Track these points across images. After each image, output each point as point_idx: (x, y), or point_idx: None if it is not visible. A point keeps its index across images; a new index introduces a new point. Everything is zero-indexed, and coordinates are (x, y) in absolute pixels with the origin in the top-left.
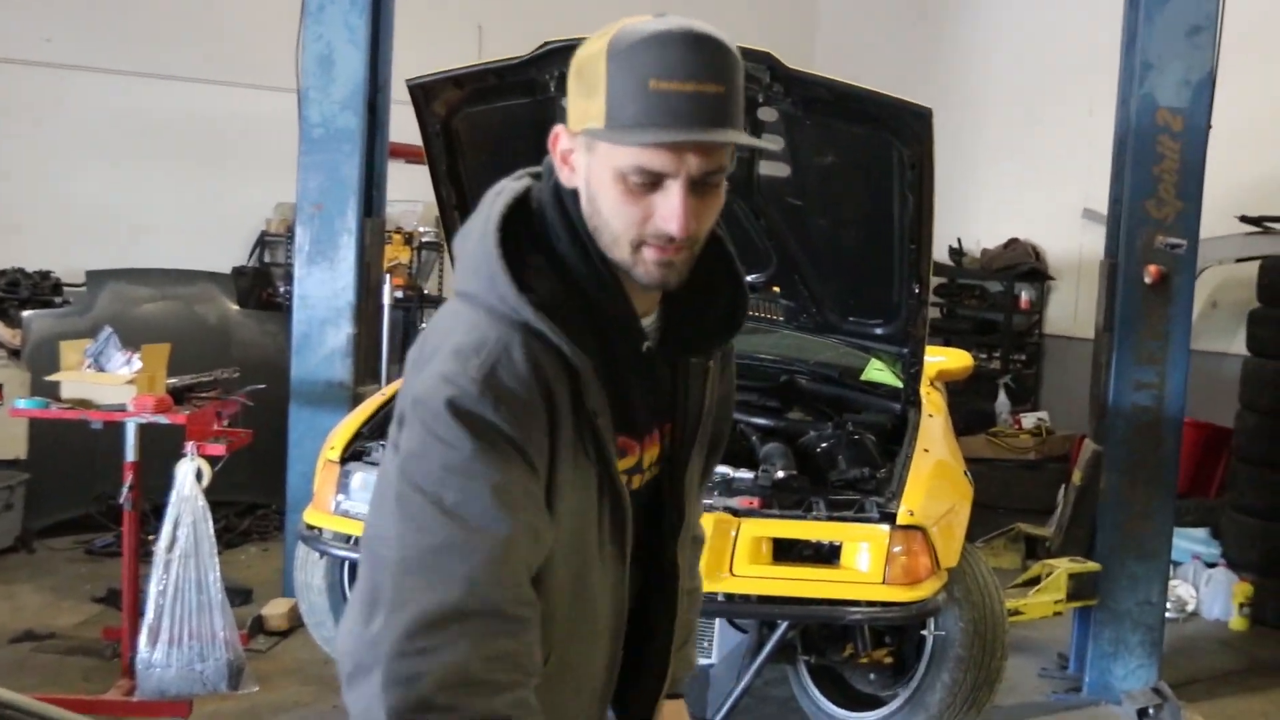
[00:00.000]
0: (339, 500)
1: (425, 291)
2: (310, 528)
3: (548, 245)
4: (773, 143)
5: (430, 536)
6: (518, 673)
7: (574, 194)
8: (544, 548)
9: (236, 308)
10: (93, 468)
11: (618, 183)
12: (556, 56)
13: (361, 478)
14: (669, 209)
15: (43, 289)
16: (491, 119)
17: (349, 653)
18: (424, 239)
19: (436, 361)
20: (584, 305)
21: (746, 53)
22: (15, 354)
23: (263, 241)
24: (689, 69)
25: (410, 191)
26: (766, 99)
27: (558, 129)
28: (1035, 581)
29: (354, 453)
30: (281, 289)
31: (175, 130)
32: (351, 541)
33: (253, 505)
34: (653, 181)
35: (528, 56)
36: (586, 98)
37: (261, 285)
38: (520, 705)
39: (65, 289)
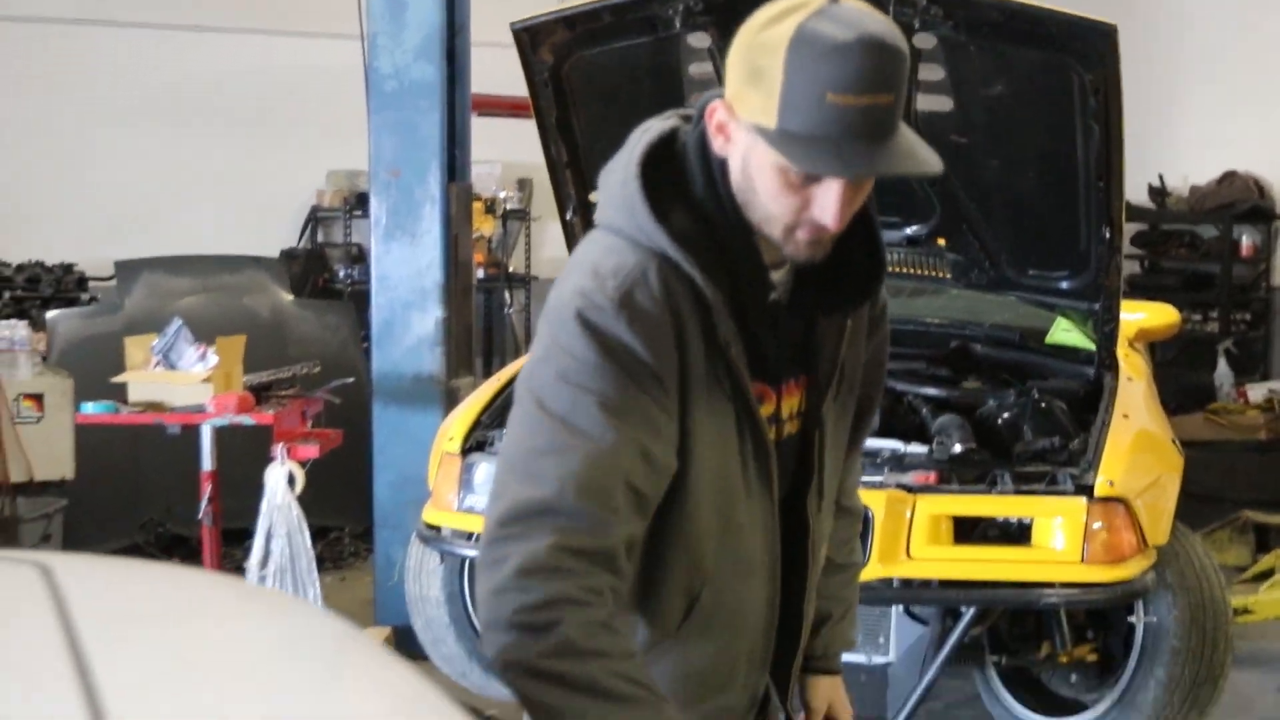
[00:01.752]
0: (462, 496)
1: (510, 269)
2: (430, 527)
3: (686, 188)
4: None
5: (534, 439)
6: (592, 565)
7: (723, 162)
8: (657, 470)
9: (290, 297)
10: (137, 492)
11: (779, 176)
12: None
13: (486, 469)
14: (828, 203)
15: (66, 285)
16: (607, 63)
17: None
18: (507, 206)
19: (573, 277)
20: (717, 247)
21: None
22: (43, 360)
23: (315, 218)
24: (865, 83)
25: (488, 151)
26: (923, 24)
27: (715, 103)
28: (1268, 575)
29: (475, 443)
30: (341, 273)
31: (208, 92)
32: (474, 539)
33: (322, 529)
34: (810, 180)
35: None
36: (756, 87)
37: (316, 270)
38: (589, 591)
39: (91, 284)
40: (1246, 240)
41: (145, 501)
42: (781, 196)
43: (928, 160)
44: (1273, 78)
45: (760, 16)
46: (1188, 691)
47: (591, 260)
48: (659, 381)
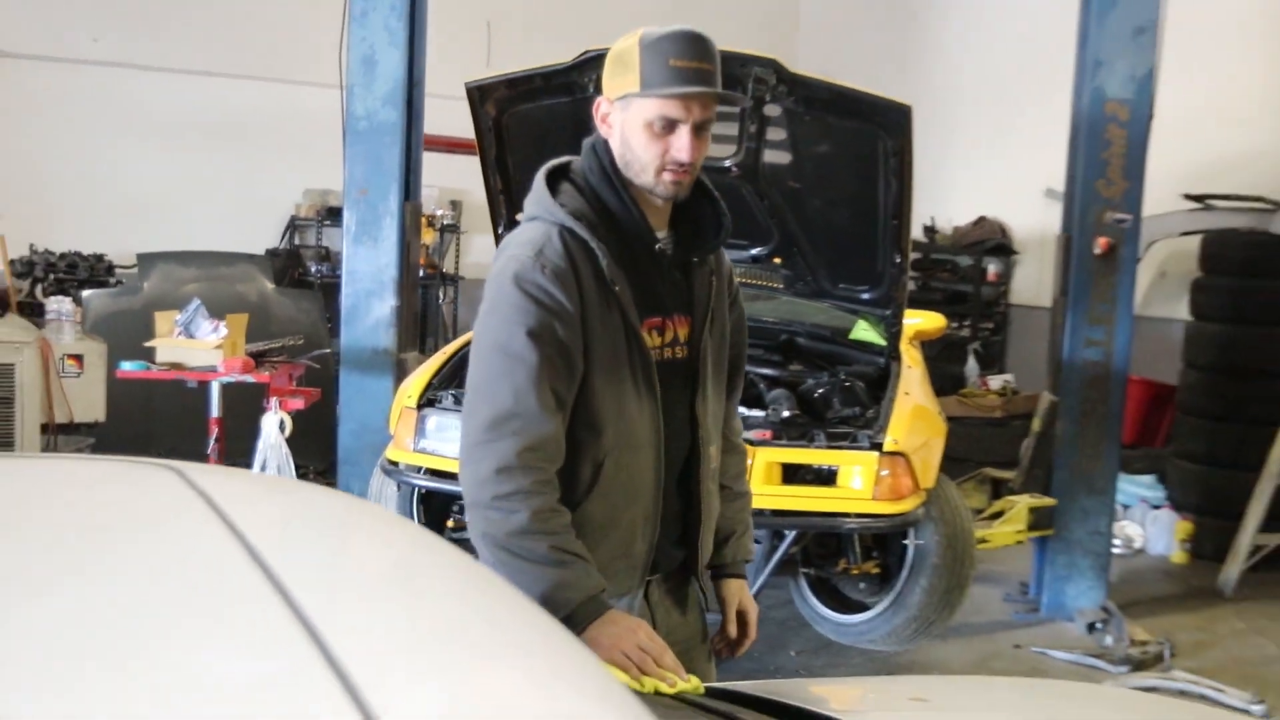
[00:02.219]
0: (417, 440)
1: (444, 271)
2: (391, 463)
3: (579, 183)
4: (743, 101)
5: (488, 367)
6: (543, 459)
7: (605, 144)
8: (571, 375)
9: (273, 286)
10: (150, 434)
11: (646, 129)
12: (595, 62)
13: (436, 420)
14: (681, 144)
15: (98, 270)
16: (536, 115)
17: (460, 447)
18: (443, 221)
19: (507, 251)
20: (608, 219)
21: (751, 58)
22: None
23: (293, 225)
24: (693, 53)
25: (429, 178)
26: (773, 97)
27: (599, 99)
28: (1000, 515)
29: (427, 400)
30: (313, 268)
31: (212, 122)
32: (423, 472)
33: (303, 470)
34: (669, 126)
35: (570, 63)
36: (623, 75)
37: (294, 265)
38: (542, 484)
39: (117, 270)
40: (992, 268)
41: (156, 441)
42: (650, 145)
43: (734, 96)
44: (1017, 148)
45: (614, 45)
46: (942, 595)
47: (517, 239)
48: (566, 311)
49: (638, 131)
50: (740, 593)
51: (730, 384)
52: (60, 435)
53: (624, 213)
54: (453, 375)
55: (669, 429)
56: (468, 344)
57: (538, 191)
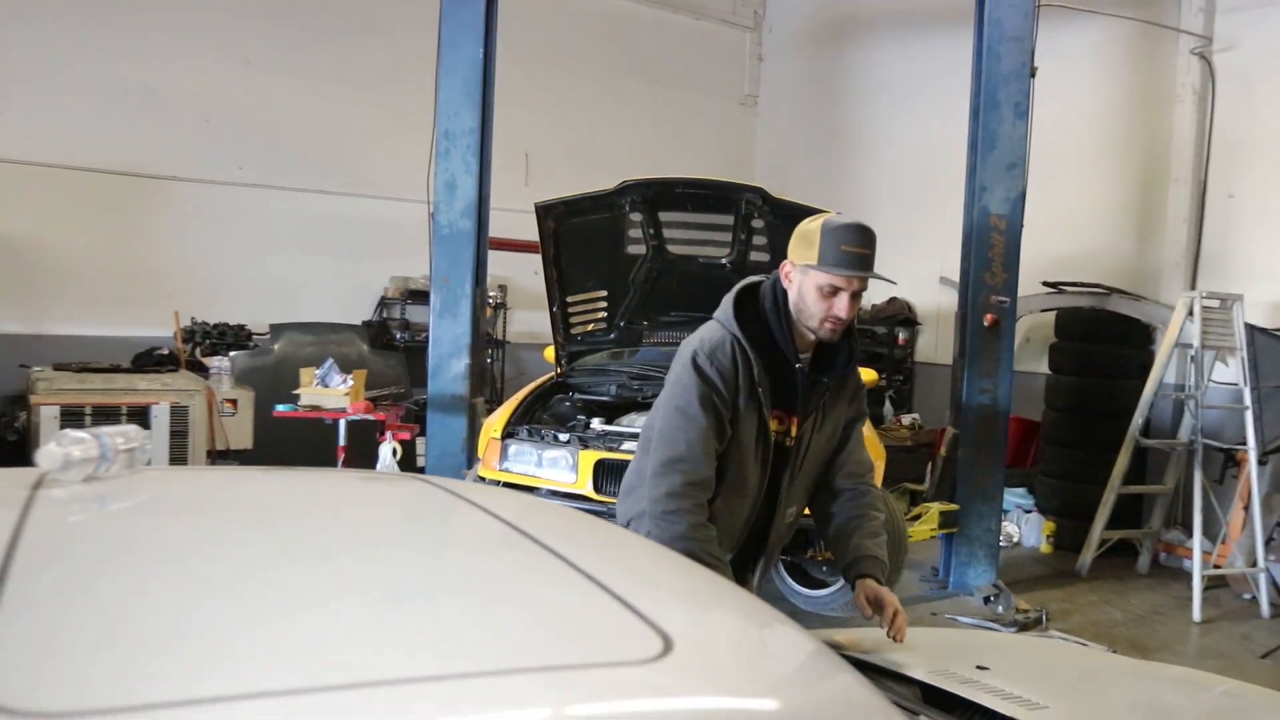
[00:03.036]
0: (501, 462)
1: (495, 337)
2: (481, 479)
3: (759, 309)
4: (893, 281)
5: (668, 420)
6: (700, 490)
7: (784, 292)
8: (724, 437)
9: (368, 348)
10: (281, 460)
11: (817, 291)
12: (631, 190)
13: (515, 447)
14: (841, 305)
15: (241, 336)
16: (583, 226)
17: (626, 484)
18: (496, 300)
19: (694, 344)
20: (769, 340)
21: (745, 187)
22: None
23: (383, 302)
24: (859, 241)
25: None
26: (759, 214)
27: (784, 264)
28: (919, 518)
29: (506, 433)
30: (397, 335)
31: (325, 226)
32: (508, 485)
33: None
34: (834, 292)
35: (612, 190)
36: (806, 249)
37: (383, 333)
38: (697, 506)
39: (254, 336)
40: (901, 335)
41: (290, 463)
42: (819, 303)
43: (884, 278)
44: (920, 246)
45: (803, 224)
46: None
47: (703, 334)
48: (725, 398)
49: (811, 291)
50: (874, 591)
51: (844, 442)
52: (219, 460)
53: (782, 340)
54: (523, 416)
55: (764, 489)
56: (532, 392)
57: (726, 307)
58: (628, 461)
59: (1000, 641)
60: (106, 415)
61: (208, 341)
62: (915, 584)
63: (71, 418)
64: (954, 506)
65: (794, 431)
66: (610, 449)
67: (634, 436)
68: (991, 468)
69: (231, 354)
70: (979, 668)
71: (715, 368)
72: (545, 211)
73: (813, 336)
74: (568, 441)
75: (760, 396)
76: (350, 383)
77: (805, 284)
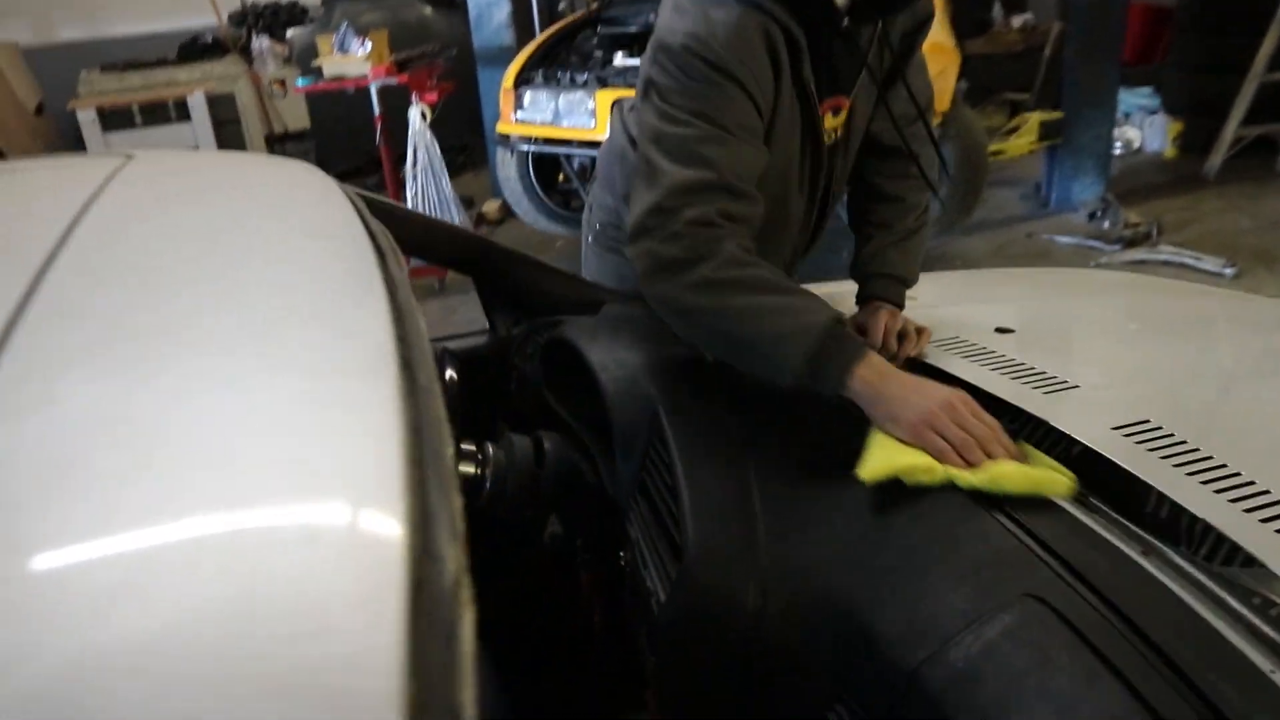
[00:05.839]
0: (516, 114)
1: None
2: (501, 135)
3: None
4: None
5: (686, 130)
6: (740, 224)
7: None
8: (758, 164)
9: (430, 10)
10: (348, 133)
11: None
12: None
13: (530, 95)
14: None
15: (294, 14)
16: None
17: (634, 218)
18: None
19: (690, 20)
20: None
21: None
22: (286, 60)
23: None
24: None
25: None
26: None
27: None
28: (1013, 132)
29: (522, 80)
30: None
31: None
32: (528, 139)
33: (463, 145)
34: None
35: None
36: None
37: None
38: (734, 236)
39: (309, 11)
40: None
41: (353, 138)
42: None
43: None
44: None
45: None
46: (960, 199)
47: (692, 13)
48: (758, 102)
49: None
50: (890, 321)
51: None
52: (291, 143)
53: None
54: (540, 60)
55: (813, 215)
56: (553, 34)
57: None
58: None
59: (1055, 282)
60: (150, 113)
61: (260, 22)
62: (1014, 203)
63: (116, 117)
64: (1057, 114)
65: (843, 119)
66: (633, 85)
67: None
68: (1105, 66)
69: (289, 32)
70: (998, 330)
71: (744, 60)
72: None
73: None
74: (584, 83)
75: (810, 96)
76: (369, 46)
77: None
